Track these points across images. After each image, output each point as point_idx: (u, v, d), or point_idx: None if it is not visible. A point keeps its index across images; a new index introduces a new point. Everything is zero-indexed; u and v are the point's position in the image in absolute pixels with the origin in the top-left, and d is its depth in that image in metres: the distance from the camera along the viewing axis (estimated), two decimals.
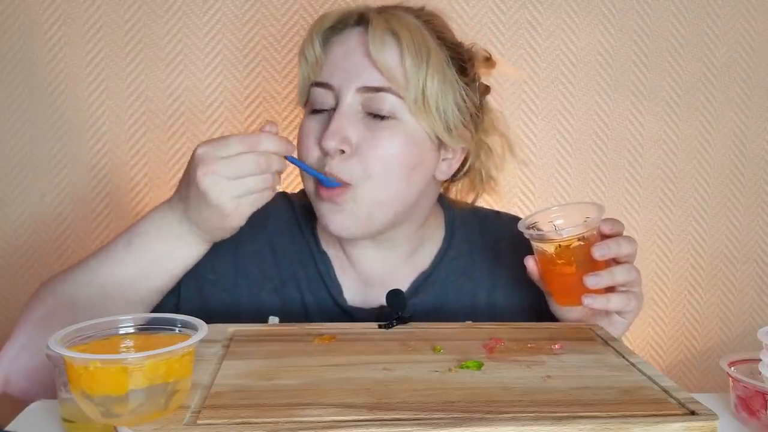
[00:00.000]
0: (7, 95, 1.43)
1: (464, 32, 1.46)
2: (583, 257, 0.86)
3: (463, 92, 0.94)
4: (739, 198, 1.57)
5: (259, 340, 0.82)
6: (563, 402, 0.64)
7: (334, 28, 0.95)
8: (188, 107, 1.46)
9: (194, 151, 0.83)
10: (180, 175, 1.45)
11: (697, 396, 0.66)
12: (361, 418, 0.60)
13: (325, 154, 0.90)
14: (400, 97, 0.89)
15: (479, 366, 0.73)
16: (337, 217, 0.91)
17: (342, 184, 0.89)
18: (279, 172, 0.85)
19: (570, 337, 0.84)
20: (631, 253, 0.87)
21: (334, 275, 1.00)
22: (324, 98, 0.92)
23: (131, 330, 0.68)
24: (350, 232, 0.92)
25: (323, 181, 0.89)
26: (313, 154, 0.92)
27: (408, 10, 0.96)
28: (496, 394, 0.66)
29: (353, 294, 1.00)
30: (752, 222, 1.58)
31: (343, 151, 0.89)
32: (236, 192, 0.81)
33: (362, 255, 1.00)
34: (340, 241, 1.00)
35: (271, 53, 1.45)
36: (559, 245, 0.86)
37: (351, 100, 0.90)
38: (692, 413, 0.62)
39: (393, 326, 0.86)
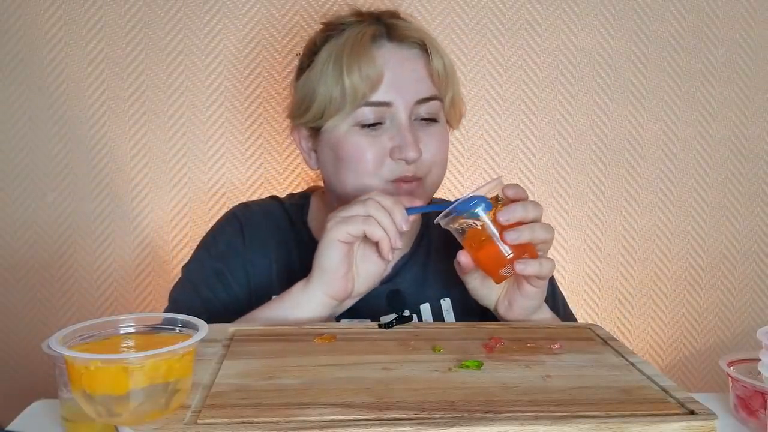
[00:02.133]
0: (7, 95, 1.44)
1: (464, 32, 1.48)
2: (499, 227, 0.85)
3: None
4: (738, 198, 1.57)
5: (260, 340, 0.82)
6: (563, 401, 0.65)
7: (371, 40, 0.99)
8: (188, 107, 1.46)
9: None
10: (179, 173, 1.46)
11: (697, 396, 0.66)
12: (361, 417, 0.61)
13: (405, 162, 0.98)
14: (441, 100, 1.02)
15: (479, 366, 0.73)
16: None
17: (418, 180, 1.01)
18: (389, 217, 0.89)
19: (569, 336, 0.84)
20: (537, 216, 0.87)
21: None
22: (378, 115, 0.98)
23: (132, 330, 0.68)
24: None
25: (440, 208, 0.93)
26: (386, 165, 0.98)
27: (396, 16, 1.05)
28: (495, 393, 0.66)
29: None
30: (751, 222, 1.58)
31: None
32: (342, 214, 0.90)
33: None
34: None
35: (271, 53, 1.46)
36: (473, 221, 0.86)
37: (409, 113, 0.99)
38: (691, 413, 0.63)
39: (393, 326, 0.87)
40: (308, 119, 1.02)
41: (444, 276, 1.06)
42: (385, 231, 0.88)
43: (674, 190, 1.56)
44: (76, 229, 1.47)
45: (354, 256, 0.92)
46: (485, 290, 0.95)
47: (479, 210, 0.85)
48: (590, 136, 1.53)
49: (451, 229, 0.89)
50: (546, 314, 0.97)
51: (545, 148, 1.52)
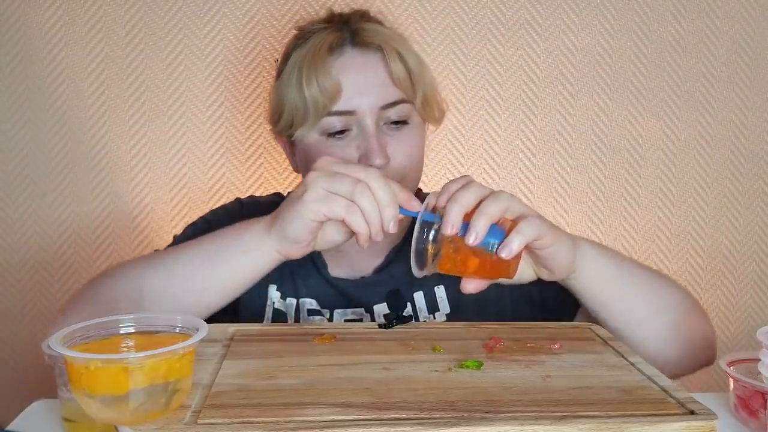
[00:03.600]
0: (7, 95, 1.44)
1: (464, 32, 1.48)
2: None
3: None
4: (738, 198, 1.57)
5: (260, 339, 0.82)
6: (563, 401, 0.65)
7: (328, 50, 0.98)
8: (188, 107, 1.46)
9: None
10: (179, 173, 1.46)
11: (697, 395, 0.66)
12: (361, 417, 0.61)
13: None
14: (411, 103, 1.00)
15: (479, 366, 0.73)
16: None
17: None
18: (375, 212, 0.80)
19: (570, 336, 0.84)
20: (479, 196, 0.77)
21: (320, 253, 1.05)
22: (344, 123, 0.98)
23: (132, 330, 0.68)
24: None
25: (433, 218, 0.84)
26: None
27: (366, 19, 1.04)
28: (495, 393, 0.66)
29: (337, 269, 1.07)
30: (751, 222, 1.58)
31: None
32: (328, 187, 0.80)
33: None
34: None
35: (271, 53, 1.46)
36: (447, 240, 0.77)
37: (375, 119, 0.97)
38: (691, 413, 0.63)
39: (393, 326, 0.87)
40: (281, 128, 1.02)
41: None
42: (368, 226, 0.79)
43: (674, 190, 1.56)
44: (76, 229, 1.47)
45: (323, 225, 0.84)
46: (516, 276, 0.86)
47: (431, 236, 0.77)
48: (590, 136, 1.53)
49: (433, 271, 0.80)
50: (594, 259, 0.87)
51: (545, 148, 1.52)
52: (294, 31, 1.07)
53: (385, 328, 0.87)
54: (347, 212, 0.79)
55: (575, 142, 1.52)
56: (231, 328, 0.85)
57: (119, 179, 1.47)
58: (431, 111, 1.05)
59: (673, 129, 1.54)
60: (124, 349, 0.65)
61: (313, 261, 1.05)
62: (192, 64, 1.45)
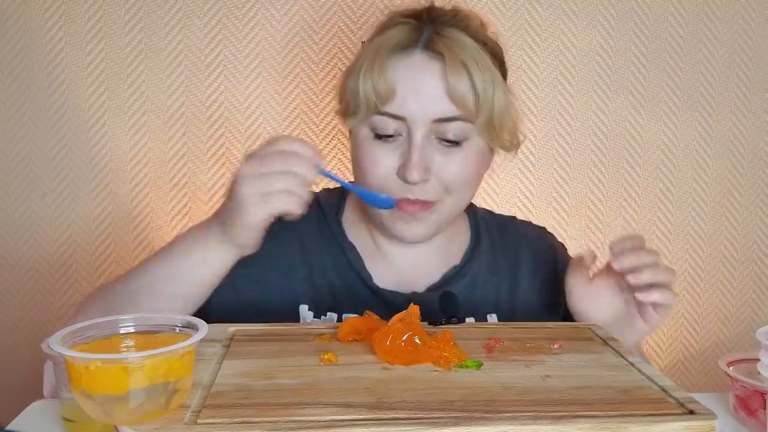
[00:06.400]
0: (7, 95, 1.44)
1: None
2: None
3: (510, 96, 0.97)
4: (737, 198, 1.57)
5: (260, 339, 0.82)
6: (562, 401, 0.65)
7: (394, 48, 0.93)
8: (188, 107, 1.46)
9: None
10: (179, 173, 1.46)
11: (696, 395, 0.66)
12: (361, 417, 0.61)
13: (408, 182, 0.93)
14: (470, 122, 0.93)
15: (479, 365, 0.73)
16: (412, 227, 0.97)
17: (424, 203, 0.95)
18: (305, 181, 0.84)
19: (569, 336, 0.84)
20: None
21: (363, 264, 1.02)
22: (394, 126, 0.93)
23: (132, 330, 0.68)
24: (421, 238, 0.99)
25: (380, 202, 0.92)
26: (390, 181, 0.94)
27: (454, 22, 0.96)
28: (495, 393, 0.66)
29: (384, 281, 1.02)
30: (751, 222, 1.58)
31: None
32: (260, 189, 0.83)
33: (394, 247, 1.03)
34: (372, 234, 1.04)
35: (272, 54, 1.46)
36: None
37: (425, 131, 0.92)
38: (691, 413, 0.63)
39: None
40: (341, 111, 0.99)
41: (493, 291, 1.04)
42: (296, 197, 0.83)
43: (674, 190, 1.56)
44: (76, 229, 1.47)
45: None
46: (583, 306, 0.93)
47: None
48: (590, 136, 1.53)
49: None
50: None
51: (545, 148, 1.52)
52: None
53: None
54: (289, 203, 0.83)
55: (575, 142, 1.52)
56: (231, 328, 0.85)
57: (119, 179, 1.47)
58: (497, 136, 0.95)
59: (673, 129, 1.54)
60: (124, 349, 0.65)
61: (357, 273, 1.01)
62: (192, 64, 1.45)
